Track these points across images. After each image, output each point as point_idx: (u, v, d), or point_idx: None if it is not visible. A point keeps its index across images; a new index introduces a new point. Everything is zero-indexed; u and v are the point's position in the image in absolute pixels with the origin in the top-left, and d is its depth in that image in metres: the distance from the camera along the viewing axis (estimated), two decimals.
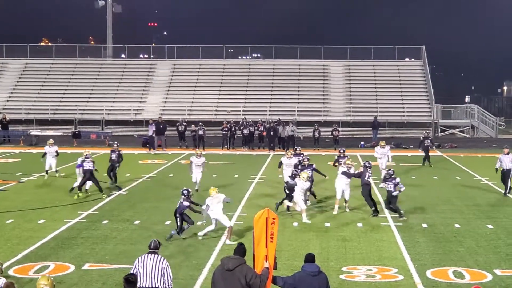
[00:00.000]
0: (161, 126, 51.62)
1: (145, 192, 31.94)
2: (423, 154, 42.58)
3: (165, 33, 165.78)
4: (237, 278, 12.65)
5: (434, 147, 44.69)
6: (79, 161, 31.30)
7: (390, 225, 25.26)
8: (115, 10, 77.46)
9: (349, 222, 25.64)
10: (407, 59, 73.06)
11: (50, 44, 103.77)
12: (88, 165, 30.19)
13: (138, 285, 13.36)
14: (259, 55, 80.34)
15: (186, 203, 22.66)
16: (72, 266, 19.55)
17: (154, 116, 58.31)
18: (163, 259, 14.14)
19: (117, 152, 33.37)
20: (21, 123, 62.22)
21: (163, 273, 13.93)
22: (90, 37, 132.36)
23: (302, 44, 74.05)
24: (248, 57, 78.77)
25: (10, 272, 18.90)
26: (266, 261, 13.02)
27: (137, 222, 25.24)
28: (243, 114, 60.31)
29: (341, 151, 32.48)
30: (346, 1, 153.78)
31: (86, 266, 19.36)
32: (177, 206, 22.79)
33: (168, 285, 13.96)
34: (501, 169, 31.45)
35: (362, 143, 55.18)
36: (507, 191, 31.22)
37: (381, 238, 23.20)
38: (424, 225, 25.16)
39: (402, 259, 20.64)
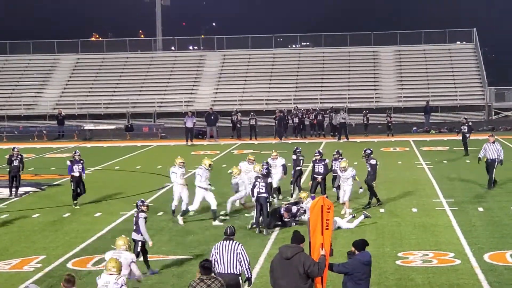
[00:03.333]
0: (212, 117, 51.84)
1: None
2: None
3: (214, 24, 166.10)
4: (295, 266, 12.70)
5: (470, 134, 39.64)
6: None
7: (446, 209, 25.07)
8: (164, 3, 77.81)
9: (403, 208, 25.50)
10: (458, 43, 72.14)
11: (100, 39, 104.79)
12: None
13: (216, 270, 13.99)
14: (308, 43, 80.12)
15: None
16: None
17: (206, 107, 58.58)
18: (238, 244, 14.51)
19: (19, 158, 30.36)
20: (74, 118, 62.91)
21: (239, 258, 14.30)
22: (140, 31, 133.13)
23: (352, 31, 73.65)
24: (297, 45, 78.59)
25: (69, 265, 19.19)
26: (322, 249, 13.02)
27: (191, 213, 25.36)
28: (294, 103, 60.20)
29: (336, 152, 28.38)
30: None
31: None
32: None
33: (246, 268, 14.35)
34: (485, 159, 29.04)
35: (414, 128, 54.77)
36: (492, 184, 28.87)
37: (437, 223, 23.04)
38: (480, 209, 24.93)
39: (458, 243, 20.48)
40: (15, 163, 30.20)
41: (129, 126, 56.81)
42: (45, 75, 70.27)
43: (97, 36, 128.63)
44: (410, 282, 17.18)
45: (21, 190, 31.50)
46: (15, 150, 30.57)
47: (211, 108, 54.81)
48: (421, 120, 57.84)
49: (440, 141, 47.00)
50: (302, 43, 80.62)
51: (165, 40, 77.42)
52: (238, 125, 52.04)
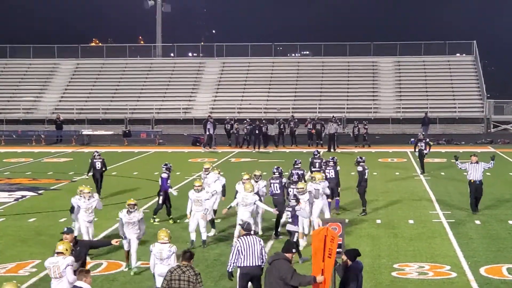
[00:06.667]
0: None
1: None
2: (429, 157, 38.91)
3: (213, 31, 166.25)
4: (273, 272, 13.25)
5: (428, 151, 37.39)
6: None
7: (442, 221, 25.04)
8: (165, 10, 77.84)
9: (400, 219, 25.46)
10: (458, 55, 72.22)
11: (100, 44, 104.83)
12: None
13: (239, 264, 15.12)
14: (308, 52, 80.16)
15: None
16: (124, 264, 19.69)
17: (204, 115, 58.50)
18: (260, 239, 15.51)
19: (100, 161, 31.05)
20: (73, 123, 62.86)
21: (261, 252, 15.26)
22: (140, 37, 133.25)
23: (351, 41, 73.71)
24: (297, 54, 78.63)
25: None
26: (321, 275, 13.08)
27: (187, 220, 25.27)
28: (292, 112, 60.17)
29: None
30: None
31: (138, 264, 19.47)
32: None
33: (263, 261, 15.18)
34: (471, 181, 26.50)
35: (412, 139, 54.58)
36: (477, 207, 26.60)
37: (433, 235, 23.01)
38: (477, 222, 24.89)
39: (455, 256, 20.44)
40: (97, 166, 30.80)
41: (127, 132, 56.73)
42: (45, 79, 70.27)
43: (97, 41, 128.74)
44: None
45: (18, 194, 31.55)
46: (97, 154, 31.36)
47: (209, 116, 54.75)
48: (419, 131, 57.67)
49: (438, 153, 46.93)
50: (302, 52, 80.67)
51: (165, 46, 77.43)
52: (235, 132, 52.05)
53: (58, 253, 14.22)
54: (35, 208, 28.34)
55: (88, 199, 21.04)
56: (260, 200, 22.46)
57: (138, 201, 28.20)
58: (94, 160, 31.12)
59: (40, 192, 32.23)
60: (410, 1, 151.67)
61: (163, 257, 15.68)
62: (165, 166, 26.26)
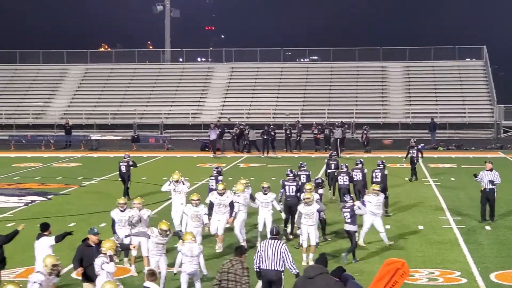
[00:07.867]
0: (219, 130, 51.76)
1: (204, 195, 31.92)
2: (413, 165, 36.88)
3: (222, 36, 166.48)
4: (318, 286, 12.75)
5: (420, 159, 36.98)
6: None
7: (452, 227, 24.95)
8: (173, 15, 77.93)
9: (410, 224, 25.37)
10: (468, 60, 72.01)
11: (109, 49, 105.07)
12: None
13: (261, 266, 15.51)
14: (317, 57, 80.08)
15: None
16: (132, 267, 19.67)
17: (213, 120, 58.51)
18: (283, 244, 15.72)
19: (125, 164, 31.27)
20: (82, 128, 62.88)
21: (282, 257, 15.43)
22: (149, 42, 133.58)
23: (360, 46, 73.59)
24: (306, 59, 78.57)
25: (73, 275, 19.08)
26: None
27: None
28: (301, 117, 60.12)
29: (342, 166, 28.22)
30: (404, 1, 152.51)
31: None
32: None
33: (291, 266, 15.52)
34: (482, 188, 25.81)
35: (422, 144, 54.55)
36: (492, 216, 25.83)
37: (443, 241, 22.92)
38: (487, 228, 24.79)
39: (465, 262, 20.37)
40: (122, 169, 31.15)
41: (135, 137, 56.75)
42: (54, 84, 70.42)
43: (106, 46, 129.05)
44: None
45: (27, 199, 31.60)
46: (125, 156, 31.77)
47: (218, 121, 54.72)
48: (429, 136, 57.61)
49: (448, 158, 46.86)
50: (311, 57, 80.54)
51: (174, 51, 77.50)
52: (244, 138, 51.90)
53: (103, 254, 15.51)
54: (44, 213, 28.33)
55: (140, 210, 20.09)
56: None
57: (147, 206, 28.24)
58: (120, 164, 31.45)
59: (49, 197, 32.25)
60: (419, 6, 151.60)
61: (193, 254, 16.99)
62: (216, 170, 26.18)
